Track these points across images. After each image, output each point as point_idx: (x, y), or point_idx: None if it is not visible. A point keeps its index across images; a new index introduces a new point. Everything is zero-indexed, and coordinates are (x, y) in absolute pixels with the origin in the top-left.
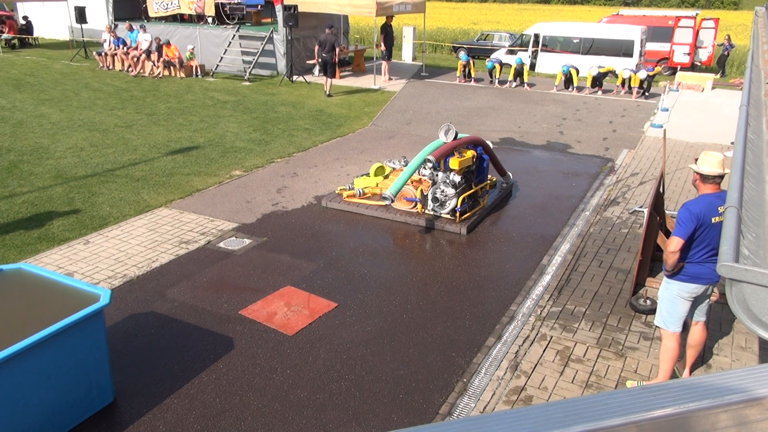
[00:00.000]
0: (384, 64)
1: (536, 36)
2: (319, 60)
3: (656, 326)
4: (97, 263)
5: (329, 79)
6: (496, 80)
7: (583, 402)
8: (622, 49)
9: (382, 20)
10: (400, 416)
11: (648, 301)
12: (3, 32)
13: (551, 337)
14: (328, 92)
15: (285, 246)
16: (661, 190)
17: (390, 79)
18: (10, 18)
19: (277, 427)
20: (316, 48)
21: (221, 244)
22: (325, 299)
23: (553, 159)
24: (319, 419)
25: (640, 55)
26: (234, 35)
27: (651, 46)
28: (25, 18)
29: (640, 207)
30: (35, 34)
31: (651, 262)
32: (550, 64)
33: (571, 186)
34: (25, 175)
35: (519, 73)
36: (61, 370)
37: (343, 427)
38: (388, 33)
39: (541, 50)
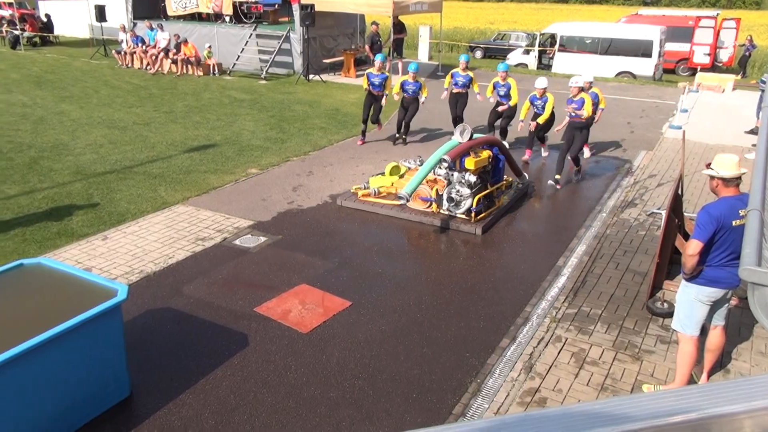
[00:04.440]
0: (398, 63)
1: (553, 36)
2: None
3: (674, 330)
4: (115, 259)
5: None
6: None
7: (604, 405)
8: (641, 49)
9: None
10: (413, 416)
11: (665, 304)
12: (24, 30)
13: (566, 339)
14: None
15: (300, 244)
16: (679, 192)
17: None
18: (32, 16)
19: (291, 424)
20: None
21: (237, 242)
22: (340, 298)
23: (569, 160)
24: (333, 417)
25: (660, 56)
26: (251, 34)
27: (670, 47)
28: (46, 16)
29: (658, 209)
30: (56, 32)
31: (669, 265)
32: (568, 64)
33: (587, 187)
34: (45, 171)
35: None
36: (78, 364)
37: (356, 426)
38: (398, 32)
39: (559, 50)
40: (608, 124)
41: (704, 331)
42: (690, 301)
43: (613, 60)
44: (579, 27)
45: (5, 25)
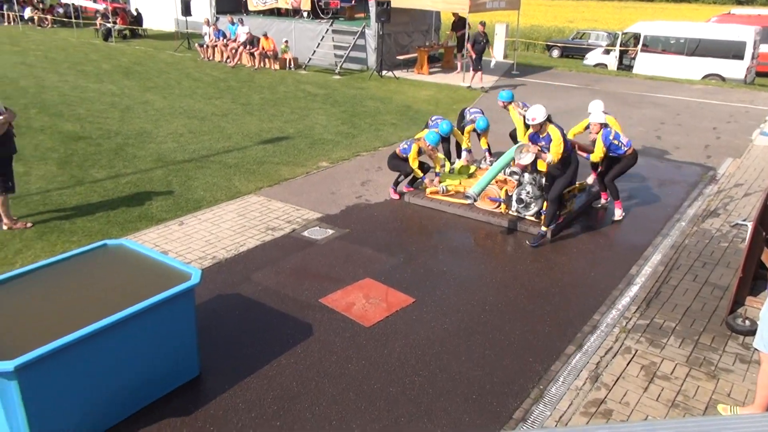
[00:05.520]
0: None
1: (636, 36)
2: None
3: (755, 349)
4: (190, 244)
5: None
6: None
7: (696, 424)
8: (732, 50)
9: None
10: (472, 417)
11: (747, 322)
12: (116, 23)
13: (636, 351)
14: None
15: (366, 238)
16: None
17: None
18: (123, 10)
19: (350, 416)
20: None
21: (305, 233)
22: (403, 294)
23: (648, 165)
24: (391, 412)
25: (753, 58)
26: (327, 29)
27: (766, 48)
28: (136, 10)
29: (744, 220)
30: (144, 26)
31: (753, 280)
32: (651, 65)
33: (666, 194)
34: (129, 158)
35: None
36: (153, 342)
37: (414, 422)
38: (461, 28)
39: (642, 50)
40: (692, 129)
41: None
42: None
43: (701, 61)
44: (665, 26)
45: (99, 18)
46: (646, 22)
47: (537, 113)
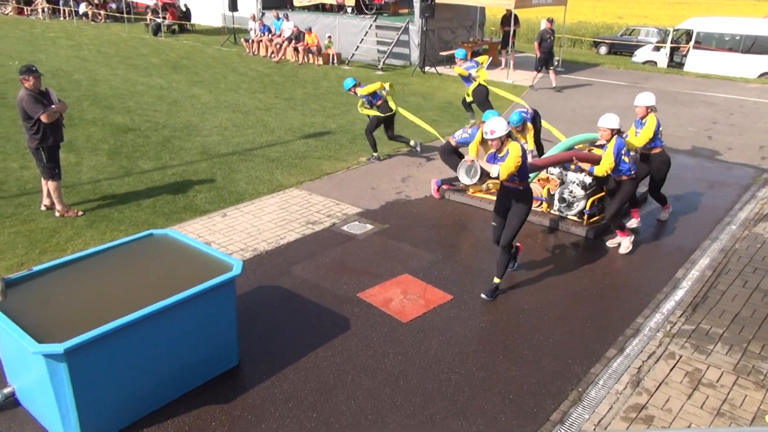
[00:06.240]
0: (510, 59)
1: (688, 32)
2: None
3: None
4: (232, 235)
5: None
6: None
7: None
8: None
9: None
10: (508, 417)
11: None
12: (165, 18)
13: (680, 357)
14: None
15: (405, 234)
16: None
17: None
18: (173, 5)
19: (386, 410)
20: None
21: (345, 228)
22: (441, 291)
23: (698, 166)
24: (427, 408)
25: None
26: (371, 25)
27: None
28: (185, 5)
29: None
30: (192, 21)
31: None
32: (703, 63)
33: (716, 196)
34: (176, 150)
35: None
36: (195, 330)
37: (449, 420)
38: (508, 24)
39: (694, 47)
40: (746, 129)
41: None
42: None
43: (757, 59)
44: (719, 22)
45: (149, 13)
46: (699, 18)
47: (496, 126)
